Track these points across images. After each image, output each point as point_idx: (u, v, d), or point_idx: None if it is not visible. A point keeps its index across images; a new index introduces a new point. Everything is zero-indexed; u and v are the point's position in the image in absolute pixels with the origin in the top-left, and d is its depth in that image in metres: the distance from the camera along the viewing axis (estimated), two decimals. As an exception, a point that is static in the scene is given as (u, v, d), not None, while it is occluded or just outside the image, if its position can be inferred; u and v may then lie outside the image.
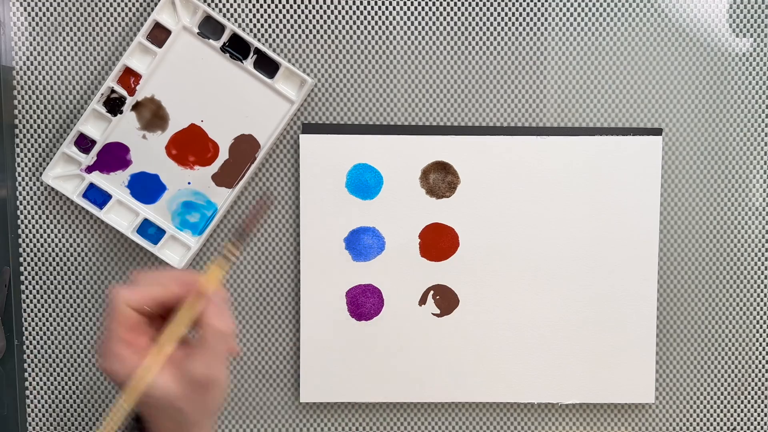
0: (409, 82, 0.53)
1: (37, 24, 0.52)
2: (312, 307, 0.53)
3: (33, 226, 0.54)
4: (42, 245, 0.54)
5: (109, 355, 0.35)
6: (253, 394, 0.55)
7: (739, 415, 0.56)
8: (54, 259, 0.54)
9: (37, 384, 0.55)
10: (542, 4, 0.53)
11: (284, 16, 0.53)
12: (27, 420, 0.55)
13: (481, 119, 0.53)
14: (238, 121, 0.52)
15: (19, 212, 0.53)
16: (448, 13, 0.53)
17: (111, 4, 0.52)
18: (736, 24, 0.53)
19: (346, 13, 0.53)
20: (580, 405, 0.55)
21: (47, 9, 0.52)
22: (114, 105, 0.51)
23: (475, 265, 0.53)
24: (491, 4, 0.53)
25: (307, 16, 0.53)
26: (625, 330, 0.54)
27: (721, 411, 0.56)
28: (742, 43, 0.53)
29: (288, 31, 0.53)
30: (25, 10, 0.52)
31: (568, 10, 0.53)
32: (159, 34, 0.51)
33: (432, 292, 0.54)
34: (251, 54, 0.51)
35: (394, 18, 0.53)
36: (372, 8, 0.53)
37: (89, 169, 0.52)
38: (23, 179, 0.53)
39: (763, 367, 0.56)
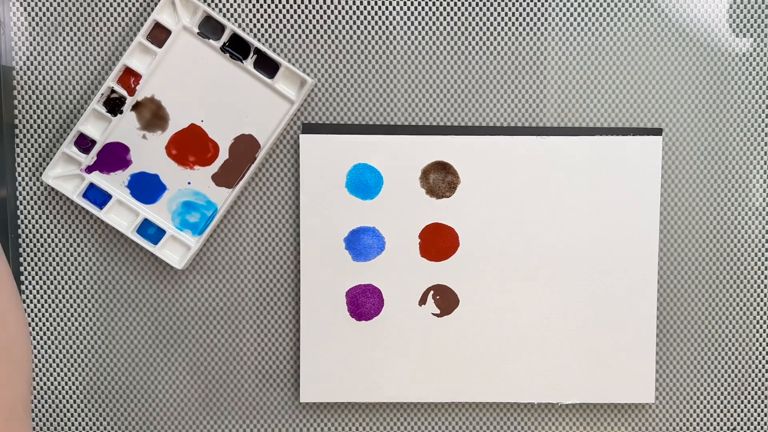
0: (409, 82, 0.53)
1: (37, 24, 0.52)
2: (312, 307, 0.53)
3: (33, 226, 0.54)
4: (42, 245, 0.54)
5: None
6: (253, 394, 0.55)
7: (739, 415, 0.56)
8: (54, 259, 0.54)
9: (37, 384, 0.55)
10: (542, 4, 0.53)
11: (284, 16, 0.53)
12: (27, 420, 0.55)
13: (481, 119, 0.53)
14: (238, 121, 0.52)
15: (19, 212, 0.53)
16: (448, 13, 0.53)
17: (111, 4, 0.52)
18: (736, 24, 0.53)
19: (346, 13, 0.53)
20: (580, 405, 0.55)
21: (47, 9, 0.52)
22: (114, 105, 0.52)
23: (475, 265, 0.53)
24: (491, 4, 0.53)
25: (307, 16, 0.53)
26: (625, 330, 0.54)
27: (721, 411, 0.56)
28: (742, 43, 0.53)
29: (288, 31, 0.53)
30: (25, 10, 0.52)
31: (568, 10, 0.53)
32: (159, 34, 0.51)
33: (432, 292, 0.54)
34: (251, 54, 0.51)
35: (394, 18, 0.53)
36: (372, 8, 0.53)
37: (89, 169, 0.52)
38: (23, 179, 0.53)
39: (763, 367, 0.56)
